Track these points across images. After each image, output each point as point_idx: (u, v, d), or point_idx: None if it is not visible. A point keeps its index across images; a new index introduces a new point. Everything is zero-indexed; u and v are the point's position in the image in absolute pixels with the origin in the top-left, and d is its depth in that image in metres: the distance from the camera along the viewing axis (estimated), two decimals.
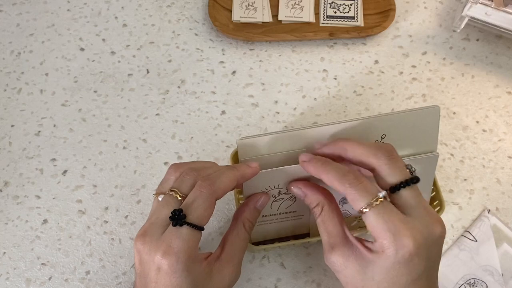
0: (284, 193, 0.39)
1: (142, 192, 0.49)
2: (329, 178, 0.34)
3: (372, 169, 0.34)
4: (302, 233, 0.45)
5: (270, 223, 0.42)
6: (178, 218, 0.32)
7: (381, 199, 0.32)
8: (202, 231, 0.34)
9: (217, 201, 0.35)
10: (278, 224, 0.43)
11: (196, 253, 0.34)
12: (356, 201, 0.32)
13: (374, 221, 0.31)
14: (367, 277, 0.33)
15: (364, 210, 0.32)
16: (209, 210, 0.34)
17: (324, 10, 0.59)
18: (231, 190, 0.36)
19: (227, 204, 0.48)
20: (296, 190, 0.37)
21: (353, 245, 0.34)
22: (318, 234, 0.37)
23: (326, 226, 0.35)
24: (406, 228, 0.31)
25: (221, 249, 0.37)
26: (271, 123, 0.52)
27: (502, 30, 0.53)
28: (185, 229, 0.33)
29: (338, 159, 0.35)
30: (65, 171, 0.49)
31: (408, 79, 0.56)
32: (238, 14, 0.58)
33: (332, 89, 0.55)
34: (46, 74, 0.55)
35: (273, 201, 0.40)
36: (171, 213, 0.33)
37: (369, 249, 0.33)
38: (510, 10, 0.53)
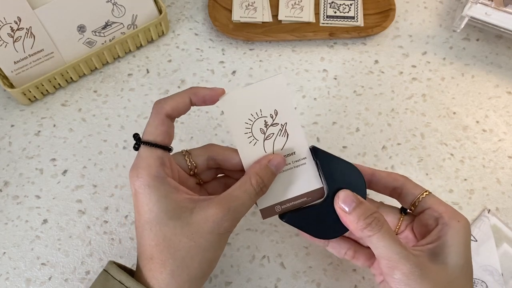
0: (272, 125, 0.37)
1: None
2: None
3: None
4: (315, 189, 0.38)
5: None
6: (135, 141, 0.35)
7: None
8: (165, 150, 0.35)
9: None
10: (281, 178, 0.37)
11: (160, 172, 0.34)
12: (416, 189, 0.37)
13: (437, 200, 0.36)
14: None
15: (425, 194, 0.37)
16: (160, 127, 0.34)
17: (324, 10, 0.59)
18: (185, 108, 0.36)
19: None
20: (346, 198, 0.35)
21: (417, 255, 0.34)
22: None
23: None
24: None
25: (217, 195, 0.35)
26: None
27: (502, 30, 0.53)
28: (141, 149, 0.34)
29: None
30: (65, 171, 0.49)
31: (408, 79, 0.56)
32: (238, 14, 0.58)
33: (332, 89, 0.55)
34: None
35: (264, 140, 0.37)
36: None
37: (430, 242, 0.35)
38: (510, 10, 0.53)
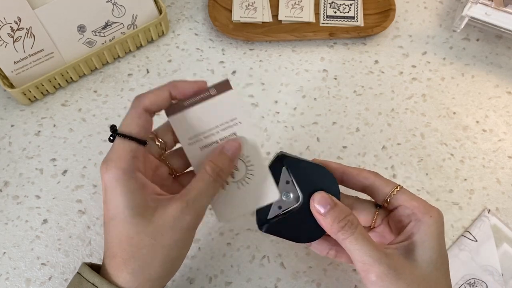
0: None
1: None
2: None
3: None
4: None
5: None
6: (111, 132, 0.34)
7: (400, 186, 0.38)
8: (139, 144, 0.33)
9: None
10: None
11: (130, 165, 0.33)
12: (386, 186, 0.37)
13: (409, 196, 0.36)
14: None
15: (396, 190, 0.37)
16: (136, 120, 0.34)
17: (324, 10, 0.59)
18: (165, 102, 0.35)
19: None
20: (321, 199, 0.35)
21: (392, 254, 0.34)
22: None
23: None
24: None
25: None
26: (271, 123, 0.52)
27: (502, 30, 0.53)
28: (116, 140, 0.33)
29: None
30: (65, 171, 0.49)
31: (408, 79, 0.56)
32: (238, 14, 0.58)
33: (332, 89, 0.55)
34: None
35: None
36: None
37: (406, 238, 0.35)
38: (510, 10, 0.53)
